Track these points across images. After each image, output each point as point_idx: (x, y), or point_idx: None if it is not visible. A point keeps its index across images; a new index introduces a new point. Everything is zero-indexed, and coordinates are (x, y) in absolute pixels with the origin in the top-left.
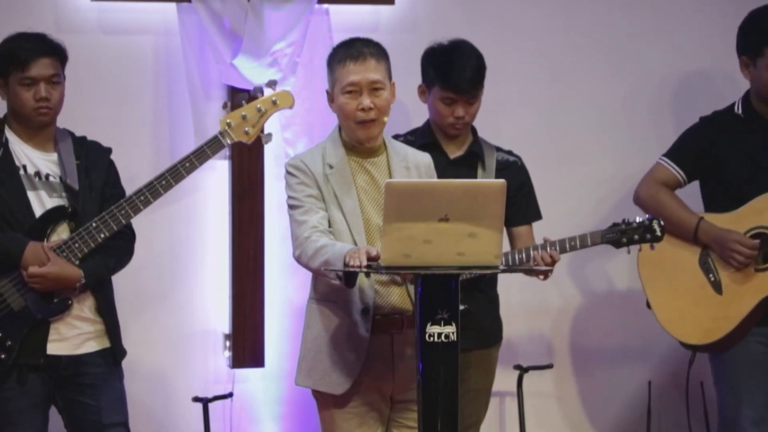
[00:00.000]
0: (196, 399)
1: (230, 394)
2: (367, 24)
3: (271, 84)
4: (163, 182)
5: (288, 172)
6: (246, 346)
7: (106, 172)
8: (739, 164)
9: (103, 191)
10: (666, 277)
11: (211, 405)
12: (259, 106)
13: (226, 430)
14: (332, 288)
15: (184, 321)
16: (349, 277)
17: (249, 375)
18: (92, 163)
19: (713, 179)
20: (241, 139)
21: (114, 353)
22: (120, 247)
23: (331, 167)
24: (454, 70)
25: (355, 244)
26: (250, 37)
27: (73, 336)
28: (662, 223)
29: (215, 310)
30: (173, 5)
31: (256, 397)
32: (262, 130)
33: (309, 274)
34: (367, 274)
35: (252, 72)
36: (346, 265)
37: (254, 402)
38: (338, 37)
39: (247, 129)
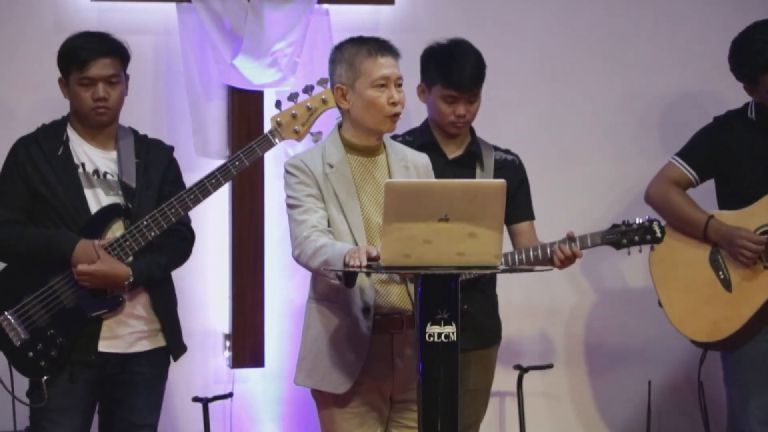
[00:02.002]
0: (196, 399)
1: (230, 394)
2: (367, 24)
3: (323, 82)
4: (213, 180)
5: (287, 172)
6: (246, 346)
7: (165, 170)
8: (751, 165)
9: (161, 189)
10: (677, 275)
11: (211, 405)
12: (309, 104)
13: (226, 430)
14: (332, 288)
15: (183, 321)
16: (348, 277)
17: (249, 375)
18: (151, 161)
19: (726, 179)
20: (290, 138)
21: (170, 351)
22: (173, 245)
23: (331, 166)
24: (455, 68)
25: (356, 243)
26: (250, 37)
27: (125, 334)
28: (662, 224)
29: (215, 310)
30: (173, 5)
31: (256, 397)
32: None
33: (308, 274)
34: (368, 274)
35: (252, 72)
36: (345, 265)
37: (254, 402)
38: (338, 37)
39: (296, 128)
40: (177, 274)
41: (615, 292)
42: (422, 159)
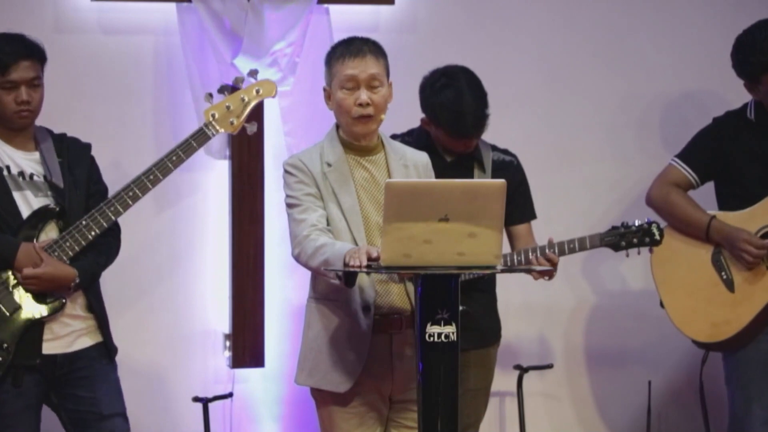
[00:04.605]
0: (196, 399)
1: (230, 394)
2: (367, 24)
3: (253, 74)
4: (151, 177)
5: (286, 171)
6: (246, 346)
7: (89, 169)
8: (751, 166)
9: (87, 187)
10: (679, 276)
11: (211, 405)
12: (242, 96)
13: (226, 430)
14: (332, 287)
15: (184, 321)
16: (348, 277)
17: (249, 375)
18: (74, 159)
19: (726, 180)
20: (226, 130)
21: (107, 348)
22: (109, 244)
23: (329, 165)
24: (458, 118)
25: (355, 241)
26: (250, 37)
27: (66, 334)
28: (661, 226)
29: (215, 310)
30: (173, 5)
31: (256, 397)
32: (252, 120)
33: (308, 274)
34: (368, 274)
35: None
36: (345, 264)
37: (254, 402)
38: (338, 37)
39: (232, 120)
40: (177, 274)
41: (615, 293)
42: (422, 158)
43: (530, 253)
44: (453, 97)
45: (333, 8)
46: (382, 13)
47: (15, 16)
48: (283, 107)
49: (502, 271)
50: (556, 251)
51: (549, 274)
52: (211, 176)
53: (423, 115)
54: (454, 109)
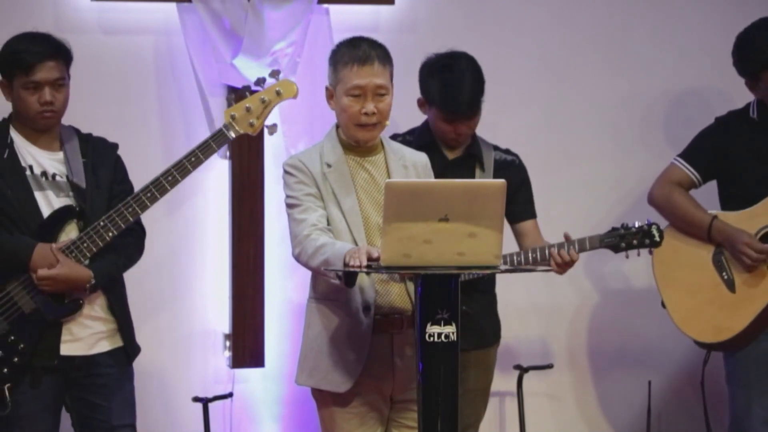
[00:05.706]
0: (196, 399)
1: (230, 394)
2: (367, 24)
3: (274, 74)
4: (170, 178)
5: (286, 172)
6: (246, 346)
7: (113, 169)
8: (753, 165)
9: (111, 188)
10: (680, 276)
11: (211, 405)
12: (263, 97)
13: (226, 430)
14: (332, 287)
15: (184, 321)
16: (348, 277)
17: (249, 375)
18: (99, 160)
19: (728, 180)
20: (246, 131)
21: (127, 351)
22: (130, 245)
23: (329, 166)
24: (453, 93)
25: (355, 242)
26: (250, 37)
27: (86, 336)
28: (661, 228)
29: (215, 310)
30: (173, 5)
31: (256, 397)
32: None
33: (309, 274)
34: (368, 274)
35: (252, 72)
36: (345, 264)
37: (254, 402)
38: (338, 37)
39: (251, 121)
40: (177, 274)
41: (616, 293)
42: (421, 158)
43: (548, 249)
44: (450, 74)
45: (333, 8)
46: (382, 13)
47: (15, 16)
48: (282, 107)
49: (502, 271)
50: (557, 251)
51: (562, 269)
52: (211, 176)
53: (422, 110)
54: (449, 85)
